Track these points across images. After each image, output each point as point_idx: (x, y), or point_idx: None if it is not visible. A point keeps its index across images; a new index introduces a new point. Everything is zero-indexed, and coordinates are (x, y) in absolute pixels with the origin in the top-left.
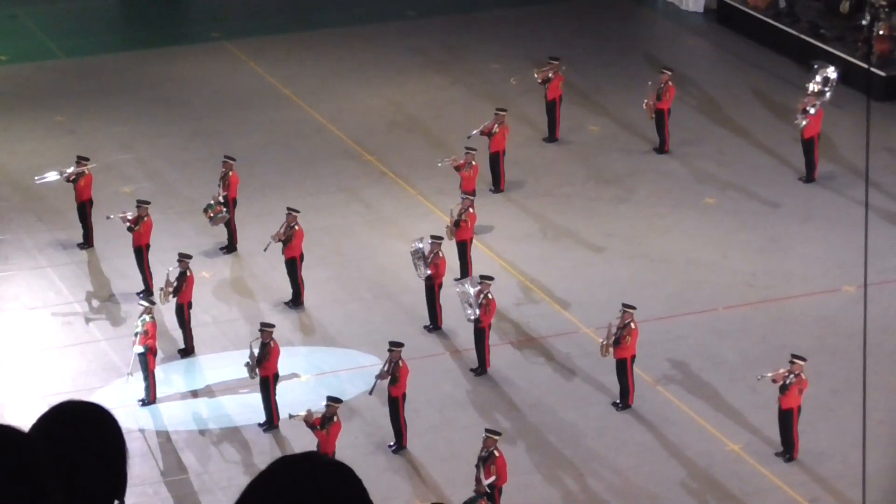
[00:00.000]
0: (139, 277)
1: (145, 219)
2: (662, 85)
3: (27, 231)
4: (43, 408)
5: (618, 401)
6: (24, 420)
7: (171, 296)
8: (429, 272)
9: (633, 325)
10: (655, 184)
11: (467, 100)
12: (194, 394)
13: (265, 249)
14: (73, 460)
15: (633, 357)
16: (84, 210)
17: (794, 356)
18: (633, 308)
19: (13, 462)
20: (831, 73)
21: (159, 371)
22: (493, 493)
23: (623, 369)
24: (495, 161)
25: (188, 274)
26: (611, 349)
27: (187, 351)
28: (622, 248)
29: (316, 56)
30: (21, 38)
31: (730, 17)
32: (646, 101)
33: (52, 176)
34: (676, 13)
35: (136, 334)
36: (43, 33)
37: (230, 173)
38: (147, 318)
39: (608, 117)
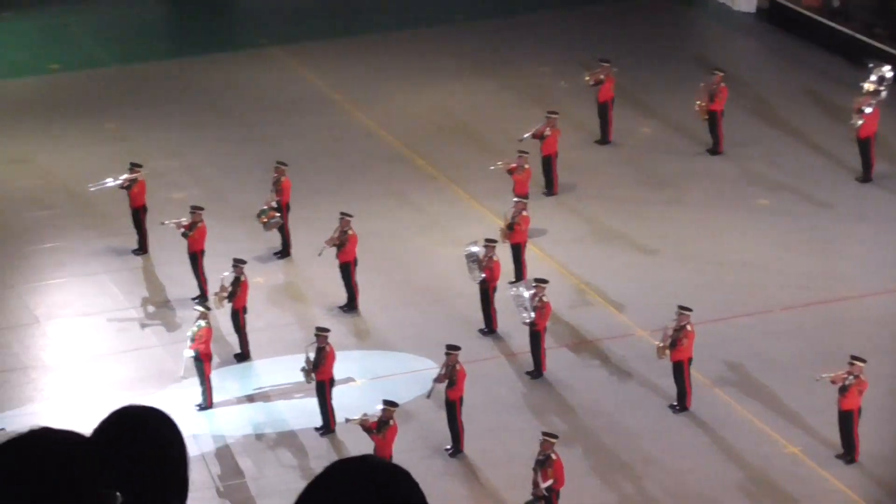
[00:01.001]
0: (194, 283)
1: (199, 224)
2: (715, 86)
3: (81, 238)
4: (99, 413)
5: (675, 403)
6: (79, 426)
7: (225, 301)
8: (483, 275)
9: (689, 327)
10: (708, 185)
11: (517, 103)
12: (250, 399)
13: (319, 254)
14: (134, 465)
15: (690, 359)
16: (138, 216)
17: (853, 357)
18: (690, 310)
19: (71, 467)
20: (887, 71)
21: (215, 376)
22: (551, 496)
23: (680, 372)
24: (548, 164)
25: (242, 279)
26: (667, 351)
27: (243, 356)
28: (675, 251)
29: (365, 61)
30: (72, 47)
31: (782, 17)
32: (698, 102)
33: (105, 183)
34: (728, 14)
35: (190, 339)
36: (94, 42)
37: (282, 179)
38: (202, 323)
39: (660, 119)
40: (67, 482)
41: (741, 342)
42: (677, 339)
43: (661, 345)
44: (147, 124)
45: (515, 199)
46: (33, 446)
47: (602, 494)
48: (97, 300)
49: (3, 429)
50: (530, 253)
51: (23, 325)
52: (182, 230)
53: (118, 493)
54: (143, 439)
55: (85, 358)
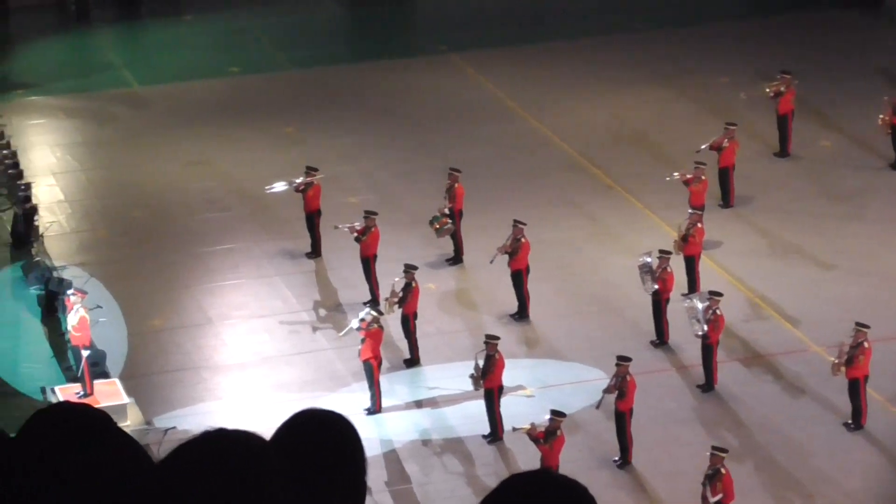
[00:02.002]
0: (366, 287)
1: (372, 229)
2: None
3: (256, 240)
4: (269, 415)
5: (849, 421)
6: (249, 427)
7: (396, 306)
8: (656, 287)
9: (866, 344)
10: (889, 201)
11: (695, 114)
12: (418, 404)
13: (491, 261)
14: (314, 469)
15: (866, 377)
16: (312, 220)
17: None
18: (867, 327)
19: (252, 470)
20: None
21: (384, 381)
22: None
23: (855, 389)
24: (724, 176)
25: (413, 285)
26: (843, 368)
27: (412, 361)
28: (853, 266)
29: (542, 69)
30: (252, 51)
31: None
32: (881, 116)
33: (280, 186)
34: None
35: (359, 322)
36: (273, 45)
37: (456, 185)
38: (375, 326)
39: (841, 133)
40: (247, 485)
41: None
42: (853, 356)
43: (837, 361)
44: (324, 128)
45: (691, 210)
46: (211, 447)
47: None
48: (270, 302)
49: (173, 427)
50: (704, 265)
51: (196, 326)
52: (355, 235)
53: (295, 496)
54: (325, 444)
55: (256, 359)
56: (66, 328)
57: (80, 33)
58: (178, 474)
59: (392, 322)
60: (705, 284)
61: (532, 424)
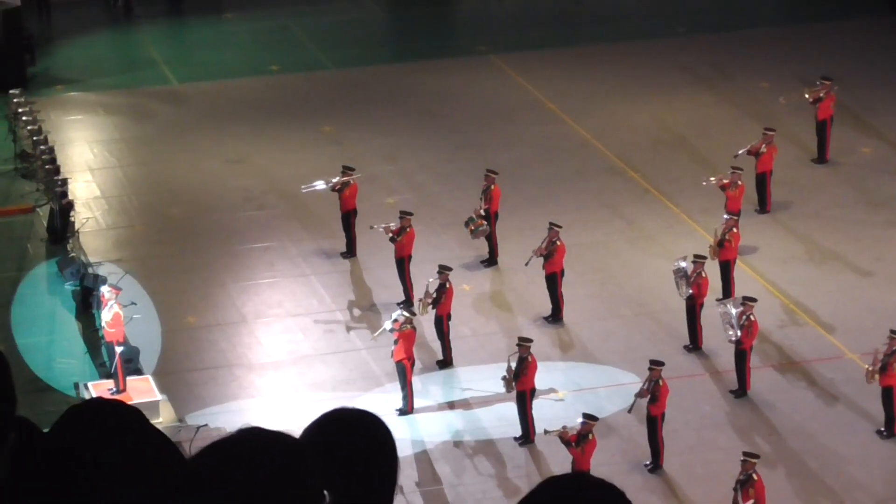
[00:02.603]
0: (400, 288)
1: (408, 230)
2: None
3: (292, 239)
4: (302, 413)
5: (882, 429)
6: (283, 426)
7: (430, 307)
8: (690, 291)
9: None
10: None
11: (734, 118)
12: (451, 405)
13: (526, 264)
14: (346, 468)
15: None
16: (348, 219)
17: None
18: None
19: (286, 470)
20: None
21: (417, 382)
22: None
23: (889, 397)
24: (762, 181)
25: (448, 286)
26: (876, 376)
27: (445, 363)
28: (891, 273)
29: (582, 71)
30: (292, 49)
31: None
32: None
33: (317, 185)
34: None
35: (392, 320)
36: (313, 44)
37: (492, 187)
38: (408, 327)
39: (881, 139)
40: (282, 483)
41: None
42: (888, 364)
43: (871, 369)
44: (363, 128)
45: (727, 215)
46: (246, 446)
47: None
48: (305, 301)
49: (205, 425)
50: (740, 271)
51: (230, 323)
52: (390, 235)
53: (326, 493)
54: (356, 443)
55: (290, 358)
56: (100, 324)
57: (120, 30)
58: (213, 471)
59: (426, 323)
60: (740, 290)
61: (564, 427)
